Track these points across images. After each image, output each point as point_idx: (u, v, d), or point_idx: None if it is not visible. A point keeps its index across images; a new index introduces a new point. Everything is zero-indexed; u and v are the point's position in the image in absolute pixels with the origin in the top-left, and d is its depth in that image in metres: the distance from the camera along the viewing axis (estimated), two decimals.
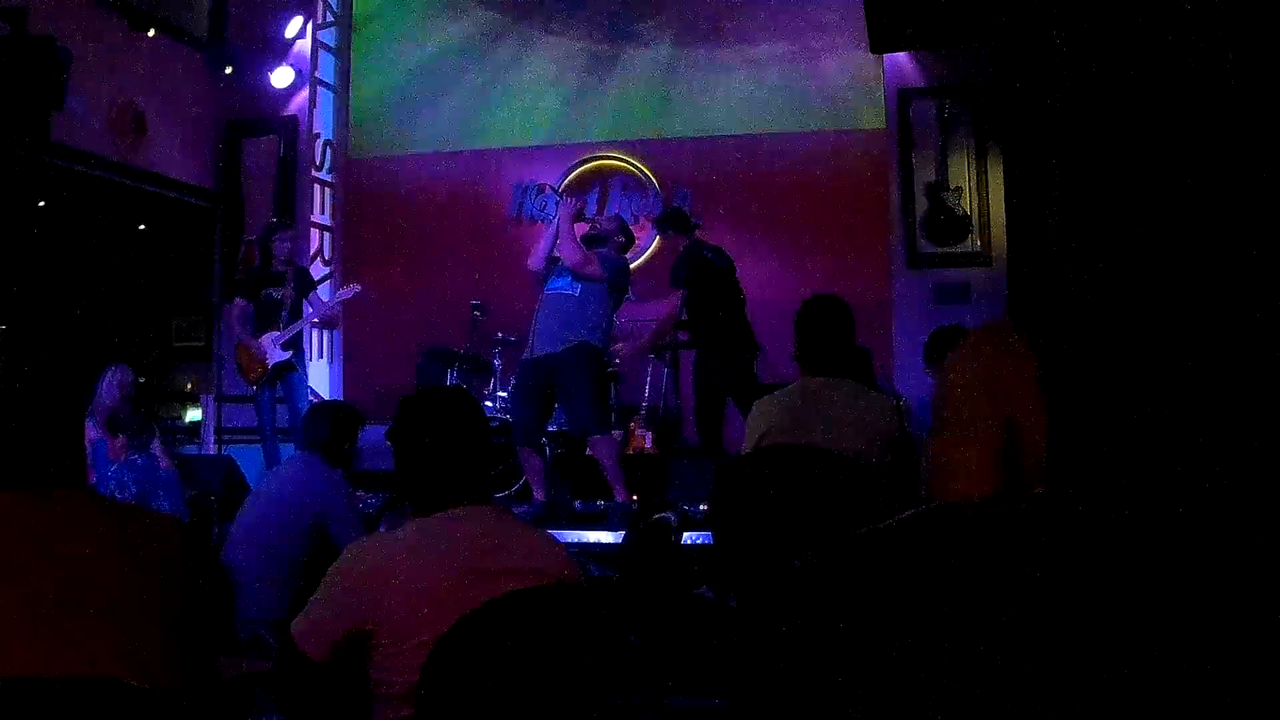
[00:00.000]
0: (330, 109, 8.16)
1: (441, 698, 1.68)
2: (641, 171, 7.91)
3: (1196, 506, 0.76)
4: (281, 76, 7.77)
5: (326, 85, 8.12)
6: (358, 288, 6.39)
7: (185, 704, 1.41)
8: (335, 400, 7.34)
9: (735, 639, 2.98)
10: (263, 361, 6.00)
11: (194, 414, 7.92)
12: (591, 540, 4.82)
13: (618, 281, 5.20)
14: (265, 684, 2.04)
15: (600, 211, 7.47)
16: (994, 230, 7.09)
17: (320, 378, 7.78)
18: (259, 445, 6.15)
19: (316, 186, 8.00)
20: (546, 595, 1.83)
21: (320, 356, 7.85)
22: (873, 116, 7.53)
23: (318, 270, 7.67)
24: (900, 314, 7.14)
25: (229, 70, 7.65)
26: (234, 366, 6.25)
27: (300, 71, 7.87)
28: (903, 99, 7.35)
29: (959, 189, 7.21)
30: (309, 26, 7.90)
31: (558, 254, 5.19)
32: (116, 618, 1.38)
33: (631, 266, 5.88)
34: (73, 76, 5.67)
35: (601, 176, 7.96)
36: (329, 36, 8.17)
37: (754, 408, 3.16)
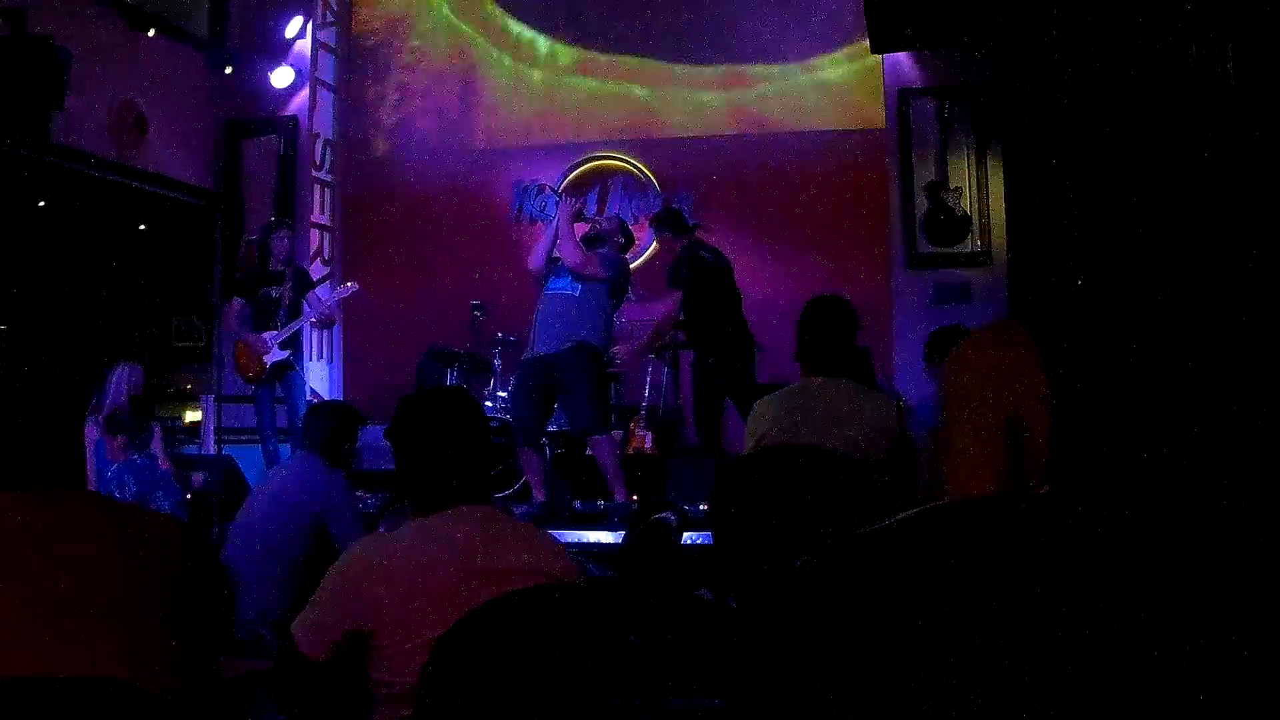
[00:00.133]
0: (330, 109, 8.16)
1: (441, 698, 1.68)
2: (641, 171, 7.91)
3: (1199, 506, 0.76)
4: (281, 76, 7.77)
5: (326, 85, 8.12)
6: (355, 286, 6.39)
7: (185, 704, 1.41)
8: (335, 400, 7.34)
9: (735, 639, 2.98)
10: (261, 360, 6.00)
11: (194, 414, 7.92)
12: (591, 540, 4.82)
13: (618, 282, 5.20)
14: (265, 684, 2.04)
15: (600, 211, 7.47)
16: (994, 230, 7.08)
17: (320, 378, 7.78)
18: (259, 445, 6.15)
19: (316, 186, 8.00)
20: (546, 595, 1.83)
21: (320, 356, 7.85)
22: (873, 116, 7.53)
23: (318, 270, 7.67)
24: (900, 314, 7.14)
25: (229, 70, 7.65)
26: (233, 365, 6.25)
27: (300, 71, 7.87)
28: (903, 99, 7.35)
29: (959, 189, 7.21)
30: (309, 26, 7.90)
31: (558, 254, 5.19)
32: (117, 618, 1.38)
33: (631, 267, 5.88)
34: (73, 76, 5.67)
35: (601, 176, 7.96)
36: (329, 36, 8.17)
37: (754, 408, 3.16)
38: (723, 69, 7.87)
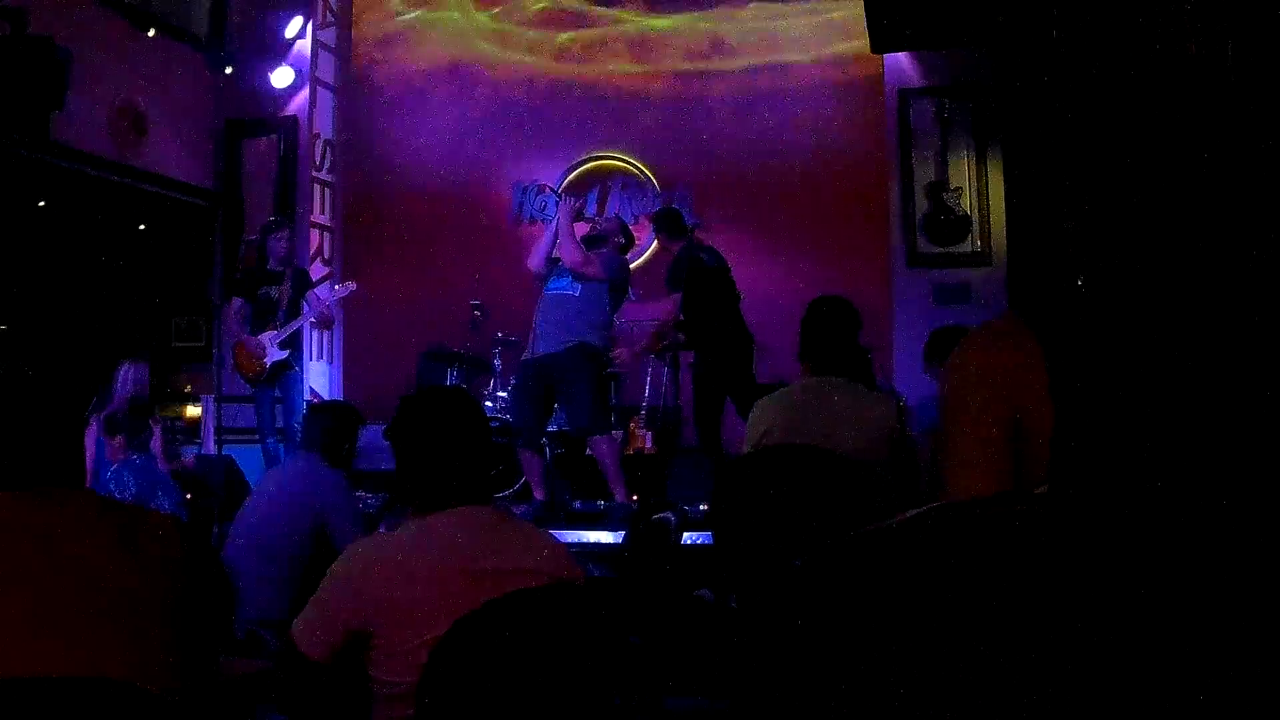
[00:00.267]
0: (330, 109, 8.16)
1: (441, 698, 1.67)
2: (641, 171, 7.91)
3: (1200, 507, 0.76)
4: (281, 76, 7.77)
5: (326, 85, 8.12)
6: (353, 285, 6.39)
7: (186, 704, 1.41)
8: (335, 400, 7.34)
9: (735, 639, 2.98)
10: (260, 360, 6.00)
11: (194, 414, 7.92)
12: (591, 540, 4.82)
13: (618, 282, 5.20)
14: (265, 684, 2.04)
15: (600, 211, 7.48)
16: (994, 230, 7.09)
17: (320, 378, 7.78)
18: (259, 445, 6.15)
19: (316, 186, 8.00)
20: (546, 595, 1.83)
21: (320, 356, 7.85)
22: (873, 116, 7.53)
23: (318, 270, 7.67)
24: (900, 314, 7.15)
25: (229, 70, 7.65)
26: (232, 366, 6.25)
27: (300, 71, 7.87)
28: (903, 99, 7.35)
29: (959, 189, 7.21)
30: (309, 26, 7.90)
31: (558, 254, 5.19)
32: (117, 618, 1.38)
33: (631, 267, 5.88)
34: (73, 76, 5.67)
35: (601, 176, 7.96)
36: (329, 36, 8.17)
37: (754, 407, 3.16)
38: (723, 67, 7.87)
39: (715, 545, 3.18)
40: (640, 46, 8.05)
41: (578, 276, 5.07)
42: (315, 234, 7.94)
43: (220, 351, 7.05)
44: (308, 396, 6.86)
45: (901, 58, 7.31)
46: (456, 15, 8.33)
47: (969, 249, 7.18)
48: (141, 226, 8.16)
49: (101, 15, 6.65)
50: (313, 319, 6.30)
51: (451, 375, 6.88)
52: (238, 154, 8.04)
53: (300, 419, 5.84)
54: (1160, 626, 0.68)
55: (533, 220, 7.95)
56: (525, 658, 1.73)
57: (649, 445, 6.68)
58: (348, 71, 8.32)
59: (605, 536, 4.82)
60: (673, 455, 6.41)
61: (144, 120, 7.03)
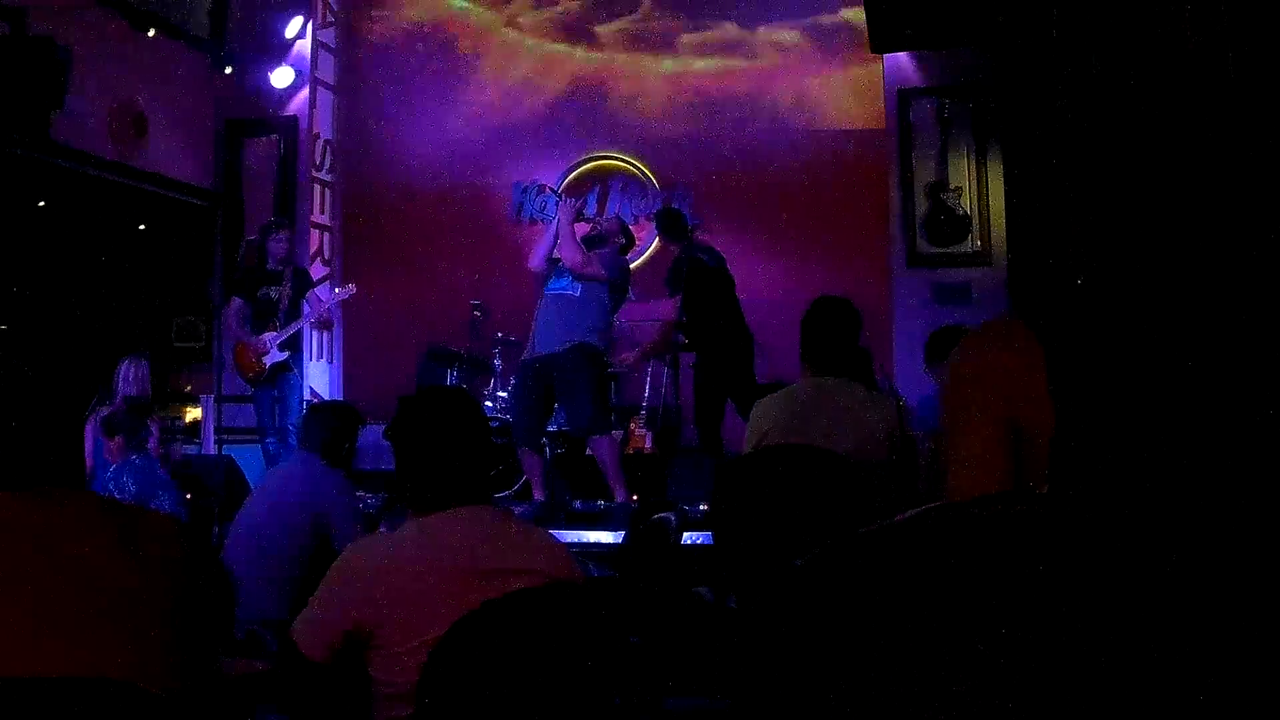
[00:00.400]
0: (330, 109, 8.16)
1: (441, 698, 1.67)
2: (641, 171, 7.91)
3: (1201, 507, 0.76)
4: (281, 76, 7.77)
5: (326, 85, 8.12)
6: (352, 288, 6.40)
7: (186, 704, 1.41)
8: (335, 400, 7.34)
9: (735, 639, 2.98)
10: (259, 361, 6.00)
11: (194, 414, 7.92)
12: (591, 540, 4.82)
13: (618, 282, 5.21)
14: (266, 684, 2.04)
15: (600, 212, 7.48)
16: (994, 230, 7.08)
17: (320, 378, 7.78)
18: (259, 445, 6.15)
19: (316, 186, 8.00)
20: (546, 595, 1.83)
21: (320, 356, 7.85)
22: (873, 116, 7.53)
23: (317, 270, 7.67)
24: (900, 314, 7.14)
25: (229, 70, 7.65)
26: (232, 366, 6.25)
27: (300, 71, 7.87)
28: (903, 99, 7.35)
29: (959, 189, 7.21)
30: (309, 26, 7.90)
31: (558, 255, 5.19)
32: (117, 618, 1.38)
33: (631, 266, 5.89)
34: (73, 76, 5.67)
35: (601, 176, 7.97)
36: (329, 36, 8.17)
37: (755, 407, 3.16)
38: (723, 69, 7.87)
39: (715, 545, 3.18)
40: (641, 47, 8.05)
41: (578, 277, 5.08)
42: (315, 234, 7.94)
43: (220, 351, 7.06)
44: (308, 396, 6.86)
45: (901, 58, 7.31)
46: (458, 16, 8.33)
47: (969, 249, 7.18)
48: (141, 226, 8.15)
49: (101, 15, 6.64)
50: (312, 320, 6.30)
51: (451, 375, 6.88)
52: (238, 154, 8.04)
53: (296, 421, 5.84)
54: (1161, 627, 0.68)
55: (533, 220, 7.95)
56: (525, 658, 1.73)
57: (649, 445, 6.68)
58: (348, 71, 8.32)
59: (605, 536, 4.82)
60: (673, 455, 6.41)
61: (144, 120, 7.03)
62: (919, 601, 0.71)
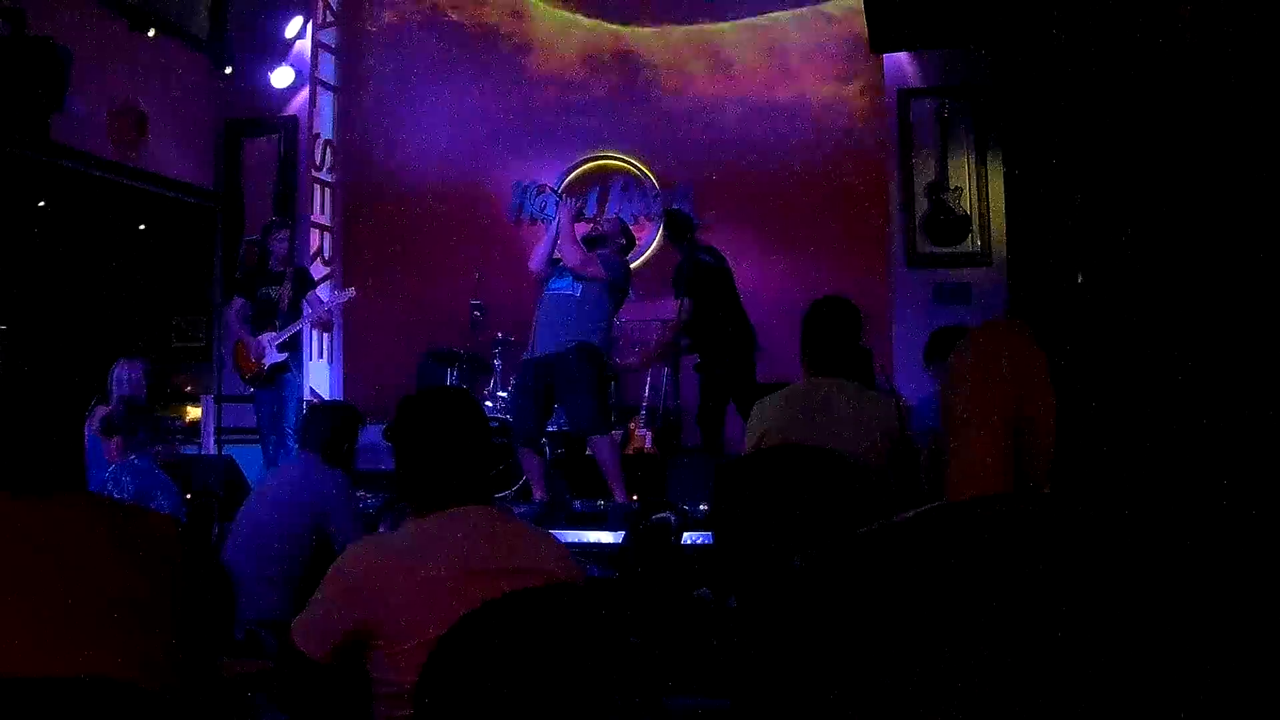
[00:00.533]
0: (330, 109, 8.16)
1: (441, 698, 1.68)
2: (641, 171, 7.91)
3: (1202, 507, 0.76)
4: (281, 76, 7.77)
5: (326, 85, 8.12)
6: (353, 292, 6.39)
7: (186, 704, 1.41)
8: (335, 400, 7.35)
9: (735, 639, 2.98)
10: (258, 362, 6.00)
11: (194, 414, 7.92)
12: (591, 540, 4.82)
13: (618, 282, 5.21)
14: (265, 684, 2.04)
15: (600, 212, 7.48)
16: (994, 230, 7.08)
17: (320, 378, 7.78)
18: (259, 445, 6.15)
19: (316, 186, 8.00)
20: (546, 595, 1.83)
21: (320, 356, 7.85)
22: (873, 116, 7.53)
23: (318, 270, 7.67)
24: (900, 314, 7.15)
25: (229, 70, 7.65)
26: (232, 366, 6.26)
27: (300, 71, 7.87)
28: (903, 99, 7.35)
29: (959, 189, 7.21)
30: (309, 26, 7.90)
31: (558, 255, 5.19)
32: (117, 618, 1.38)
33: (631, 266, 5.89)
34: (73, 76, 5.67)
35: (601, 176, 7.96)
36: (329, 36, 8.17)
37: (755, 407, 3.16)
38: (724, 69, 7.87)
39: (715, 545, 3.18)
40: (641, 47, 8.05)
41: (578, 277, 5.08)
42: (315, 234, 7.94)
43: (220, 351, 7.06)
44: (308, 397, 6.86)
45: (901, 58, 7.31)
46: (458, 16, 8.33)
47: (969, 249, 7.18)
48: (141, 226, 8.16)
49: (101, 15, 6.65)
50: (311, 321, 6.30)
51: (451, 375, 6.88)
52: (238, 154, 8.04)
53: (292, 423, 5.84)
54: (1161, 627, 0.68)
55: (533, 220, 7.95)
56: (525, 658, 1.73)
57: (649, 445, 6.68)
58: (348, 71, 8.32)
59: (605, 536, 4.81)
60: (673, 455, 6.42)
61: (144, 120, 7.03)
62: (919, 601, 0.71)
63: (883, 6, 5.45)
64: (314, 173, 7.97)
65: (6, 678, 1.27)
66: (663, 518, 3.70)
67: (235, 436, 6.88)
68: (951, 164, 7.23)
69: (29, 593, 1.35)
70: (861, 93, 7.60)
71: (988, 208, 7.14)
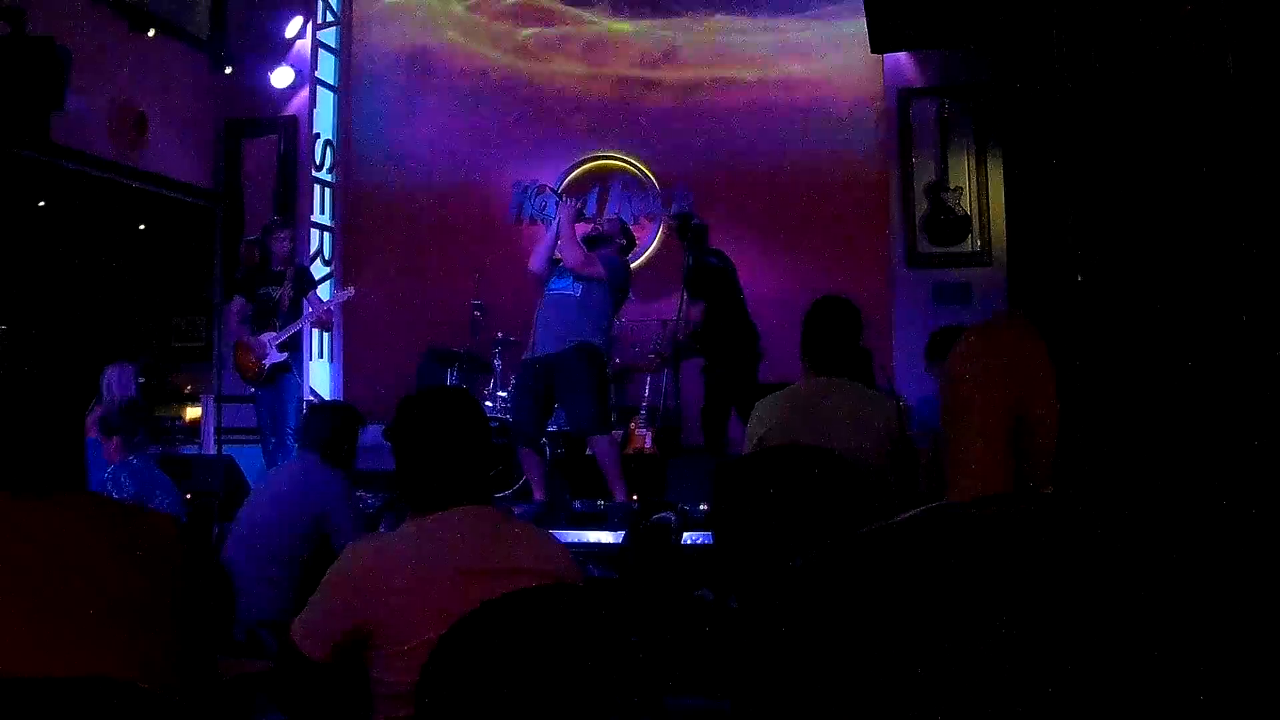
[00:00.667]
0: (330, 109, 8.16)
1: (441, 698, 1.67)
2: (641, 171, 7.91)
3: (1204, 507, 0.76)
4: (281, 76, 7.77)
5: (326, 85, 8.12)
6: (352, 291, 6.40)
7: (185, 704, 1.41)
8: (335, 400, 7.34)
9: (735, 639, 2.98)
10: (259, 361, 6.00)
11: (194, 414, 7.92)
12: (591, 540, 4.82)
13: (619, 282, 5.21)
14: (265, 684, 2.04)
15: (600, 212, 7.47)
16: (994, 230, 7.09)
17: (320, 378, 7.78)
18: (259, 445, 6.15)
19: (316, 186, 8.00)
20: (546, 595, 1.83)
21: (320, 356, 7.85)
22: (873, 117, 7.53)
23: (317, 271, 7.67)
24: (900, 314, 7.15)
25: (229, 70, 7.65)
26: (232, 366, 6.26)
27: (300, 71, 7.87)
28: (903, 99, 7.35)
29: (959, 189, 7.21)
30: (309, 26, 7.90)
31: (558, 255, 5.19)
32: (116, 617, 1.38)
33: (632, 266, 5.89)
34: (73, 76, 5.66)
35: (601, 176, 7.96)
36: (329, 36, 8.17)
37: (755, 408, 3.16)
38: (722, 68, 7.87)
39: (715, 545, 3.18)
40: (641, 47, 8.05)
41: (579, 277, 5.08)
42: (315, 234, 7.94)
43: (220, 351, 7.06)
44: (308, 397, 6.85)
45: (901, 58, 7.31)
46: (459, 15, 8.33)
47: (969, 249, 7.18)
48: (141, 226, 8.16)
49: (101, 15, 6.64)
50: (311, 320, 6.30)
51: (451, 375, 6.88)
52: (238, 154, 8.04)
53: (292, 423, 5.84)
54: (1162, 628, 0.68)
55: (533, 220, 7.94)
56: (525, 658, 1.73)
57: (649, 445, 6.68)
58: (348, 71, 8.32)
59: (605, 536, 4.81)
60: (673, 455, 6.42)
61: (144, 120, 7.03)
62: (918, 601, 0.71)
63: (883, 6, 5.45)
64: (314, 173, 7.97)
65: (6, 678, 1.27)
66: (663, 518, 3.70)
67: (235, 436, 6.88)
68: (951, 164, 7.23)
69: (29, 593, 1.35)
70: (861, 93, 7.59)
71: (988, 208, 7.15)
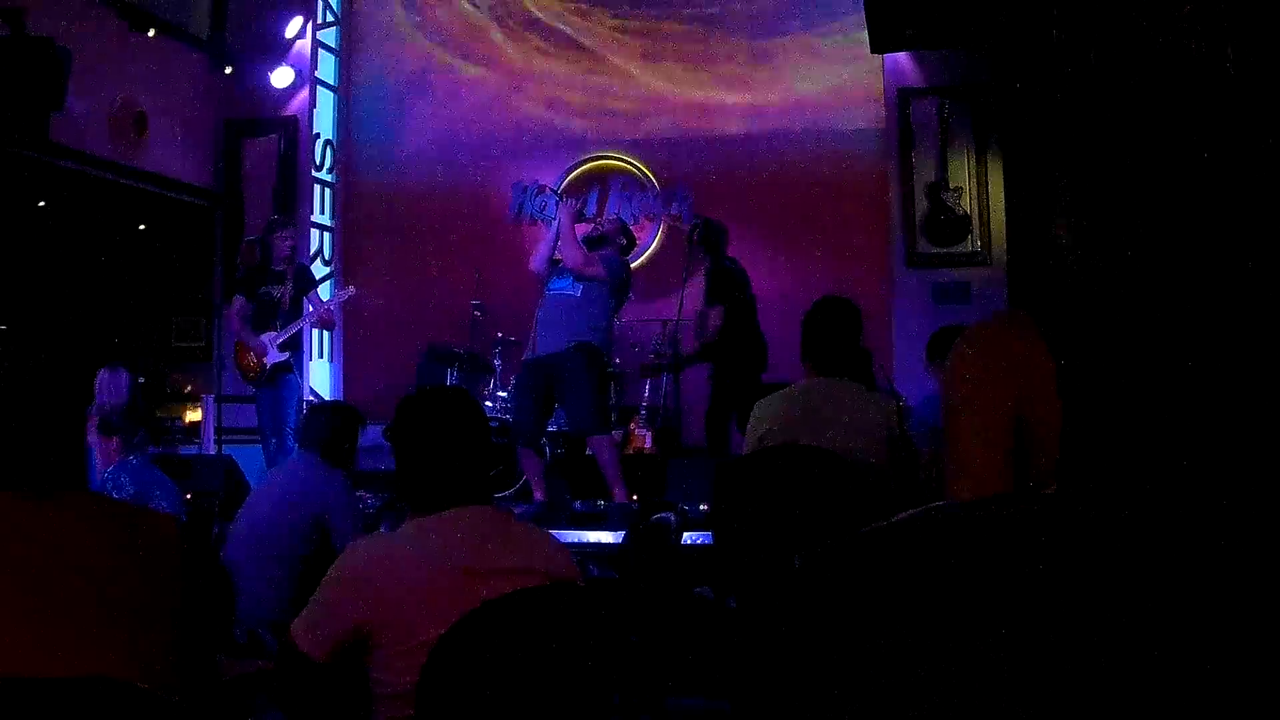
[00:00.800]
0: (330, 109, 8.16)
1: (441, 698, 1.68)
2: (641, 171, 7.91)
3: (1205, 507, 0.76)
4: (281, 76, 7.78)
5: (326, 85, 8.12)
6: (353, 290, 6.40)
7: (185, 704, 1.41)
8: (335, 400, 7.34)
9: (735, 639, 2.98)
10: (260, 361, 6.00)
11: (194, 414, 7.91)
12: (591, 540, 4.82)
13: (619, 282, 5.21)
14: (265, 684, 2.04)
15: (600, 212, 7.47)
16: (994, 230, 7.08)
17: (320, 377, 7.78)
18: (259, 445, 6.15)
19: (316, 186, 8.00)
20: (546, 595, 1.83)
21: (320, 356, 7.85)
22: (873, 116, 7.53)
23: (317, 271, 7.67)
24: (900, 314, 7.14)
25: (229, 70, 7.65)
26: (233, 365, 6.26)
27: (300, 71, 7.87)
28: (903, 99, 7.35)
29: (959, 189, 7.20)
30: (309, 26, 7.90)
31: (559, 256, 5.19)
32: (116, 617, 1.38)
33: (632, 266, 5.89)
34: (73, 76, 5.67)
35: (601, 176, 7.96)
36: (329, 36, 8.17)
37: (755, 408, 3.16)
38: (722, 67, 7.87)
39: (715, 545, 3.18)
40: (640, 46, 8.05)
41: (579, 277, 5.08)
42: (315, 234, 7.94)
43: (220, 351, 7.06)
44: (308, 396, 6.86)
45: (901, 58, 7.30)
46: (459, 15, 8.33)
47: (969, 249, 7.18)
48: (141, 226, 8.16)
49: (101, 15, 6.65)
50: (311, 320, 6.30)
51: (451, 375, 6.88)
52: (238, 154, 8.04)
53: (293, 423, 5.84)
54: (1165, 630, 0.68)
55: (533, 220, 7.94)
56: (525, 658, 1.73)
57: (649, 445, 6.68)
58: (348, 71, 8.32)
59: (605, 536, 4.81)
60: (673, 455, 6.41)
61: (144, 120, 7.03)
62: (918, 602, 0.71)
63: (883, 6, 5.45)
64: (314, 173, 7.97)
65: (6, 678, 1.27)
66: (663, 518, 3.70)
67: (235, 436, 6.88)
68: (951, 164, 7.23)
69: (29, 593, 1.35)
70: (861, 93, 7.59)
71: (988, 208, 7.14)
